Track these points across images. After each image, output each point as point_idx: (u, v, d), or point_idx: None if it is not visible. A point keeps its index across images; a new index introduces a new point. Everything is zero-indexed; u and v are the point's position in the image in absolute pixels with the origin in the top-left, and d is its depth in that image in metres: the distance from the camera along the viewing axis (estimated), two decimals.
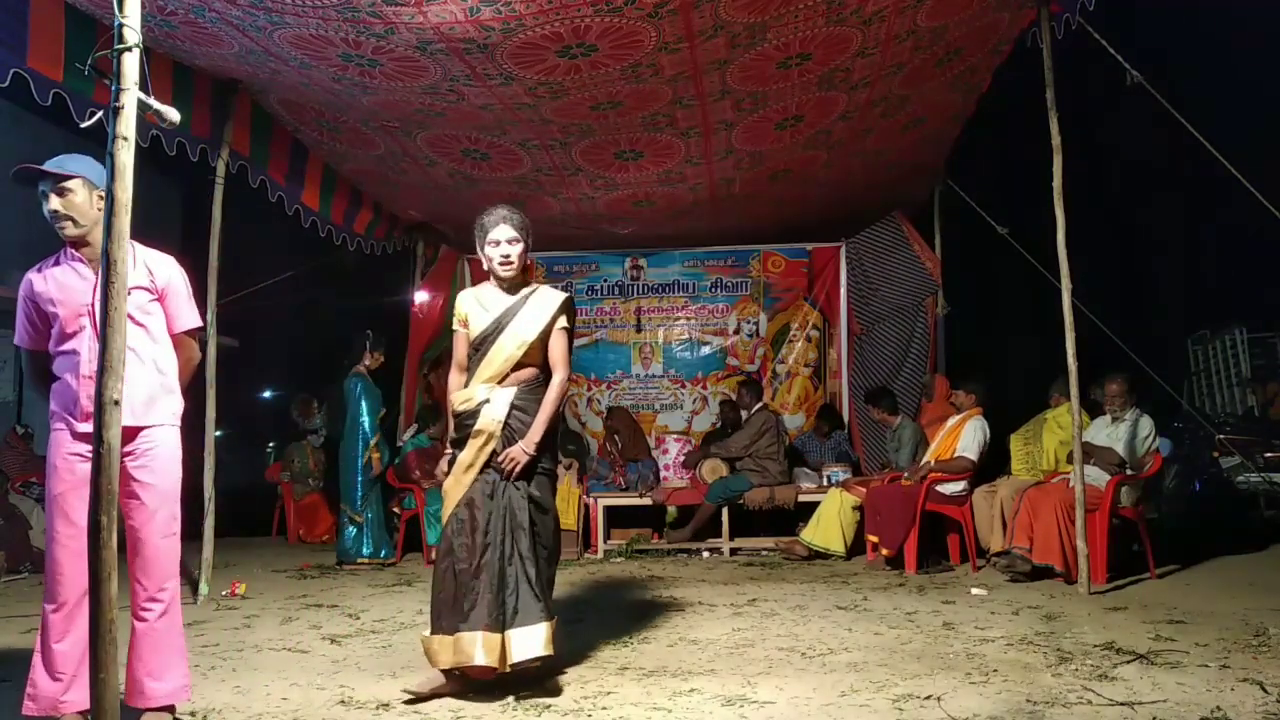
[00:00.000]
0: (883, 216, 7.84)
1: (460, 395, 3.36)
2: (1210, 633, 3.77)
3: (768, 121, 5.73)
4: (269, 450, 9.92)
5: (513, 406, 3.29)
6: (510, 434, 3.26)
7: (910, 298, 7.73)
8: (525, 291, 3.42)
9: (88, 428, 2.66)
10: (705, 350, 8.57)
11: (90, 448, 2.63)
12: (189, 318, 2.97)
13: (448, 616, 3.10)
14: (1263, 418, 9.77)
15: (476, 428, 3.25)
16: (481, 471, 3.24)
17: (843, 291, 8.34)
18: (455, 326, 3.47)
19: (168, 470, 2.81)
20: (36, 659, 2.67)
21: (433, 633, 3.12)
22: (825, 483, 7.05)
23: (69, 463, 2.70)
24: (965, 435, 5.96)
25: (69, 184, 2.73)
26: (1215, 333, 12.28)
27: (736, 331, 8.54)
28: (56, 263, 2.81)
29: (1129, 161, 13.24)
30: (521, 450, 3.22)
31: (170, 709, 2.78)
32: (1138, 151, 12.25)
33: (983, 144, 7.21)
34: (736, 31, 4.47)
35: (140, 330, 2.80)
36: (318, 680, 3.35)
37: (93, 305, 2.69)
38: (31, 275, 2.84)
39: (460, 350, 3.45)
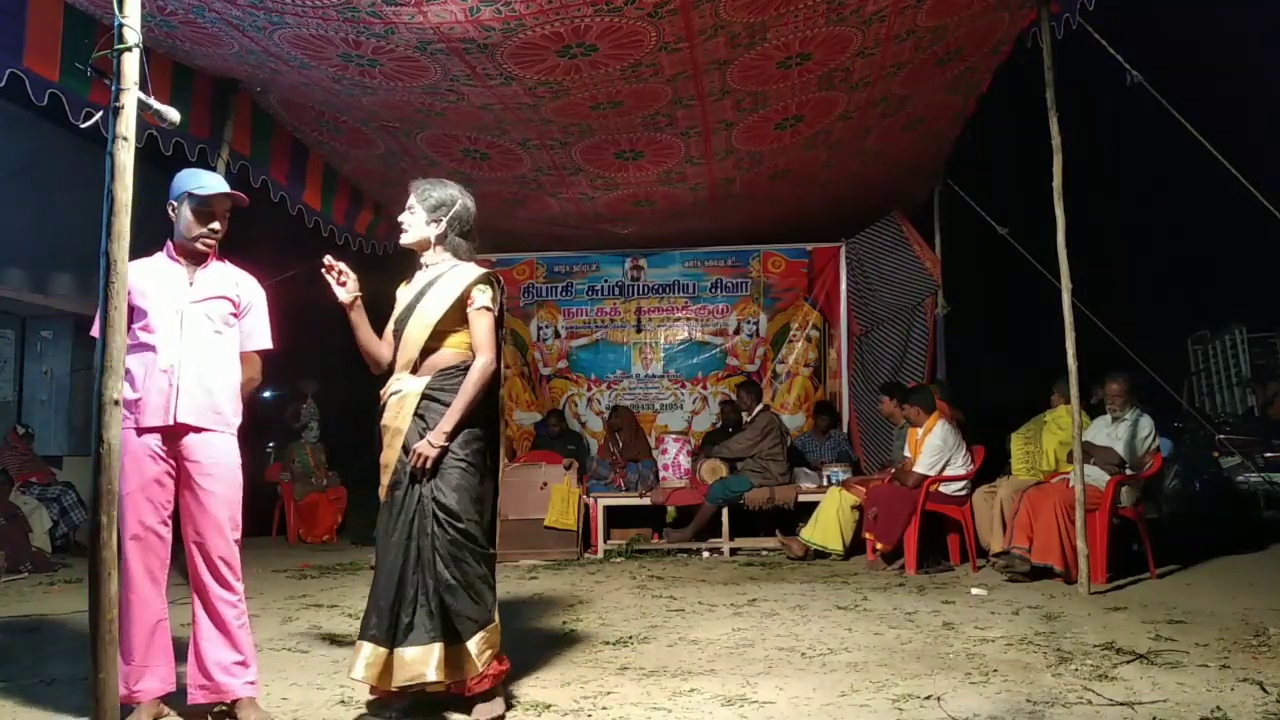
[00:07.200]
0: (883, 216, 7.84)
1: (386, 388, 3.05)
2: (1210, 633, 3.77)
3: (768, 121, 5.72)
4: (269, 450, 9.90)
5: (424, 397, 2.91)
6: (422, 430, 2.89)
7: (910, 298, 7.72)
8: (441, 269, 3.03)
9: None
10: (705, 351, 8.57)
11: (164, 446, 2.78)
12: (262, 338, 3.07)
13: (363, 625, 2.87)
14: (1263, 418, 9.76)
15: (383, 422, 2.96)
16: (394, 472, 2.91)
17: (843, 291, 8.34)
18: None
19: (230, 478, 2.88)
20: None
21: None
22: (825, 482, 7.04)
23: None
24: (923, 448, 5.94)
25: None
26: (1215, 333, 12.28)
27: (736, 332, 8.53)
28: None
29: (1129, 161, 13.24)
30: (428, 444, 2.82)
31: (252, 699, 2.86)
32: (1138, 151, 12.26)
33: (983, 144, 7.20)
34: (736, 31, 4.46)
35: (218, 338, 2.91)
36: (318, 680, 3.35)
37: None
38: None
39: (387, 329, 3.14)
